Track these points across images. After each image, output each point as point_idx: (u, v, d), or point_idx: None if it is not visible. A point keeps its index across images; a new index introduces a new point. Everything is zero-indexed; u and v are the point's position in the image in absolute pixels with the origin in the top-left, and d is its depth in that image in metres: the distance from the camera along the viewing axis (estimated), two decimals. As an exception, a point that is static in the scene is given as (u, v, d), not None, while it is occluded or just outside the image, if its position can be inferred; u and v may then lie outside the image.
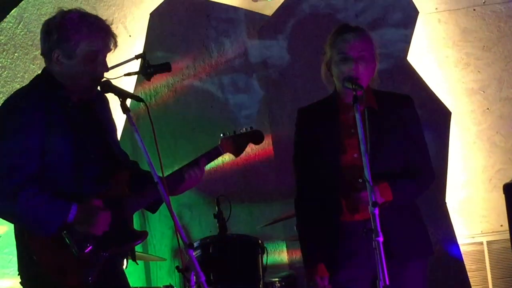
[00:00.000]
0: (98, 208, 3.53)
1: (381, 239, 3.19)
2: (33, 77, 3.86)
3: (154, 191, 3.65)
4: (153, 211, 3.96)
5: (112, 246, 3.57)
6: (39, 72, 3.78)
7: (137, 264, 3.94)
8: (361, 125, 3.36)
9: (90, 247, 3.50)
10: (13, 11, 5.90)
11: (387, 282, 3.17)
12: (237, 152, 3.93)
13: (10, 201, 3.42)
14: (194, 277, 3.22)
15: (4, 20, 5.93)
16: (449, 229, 5.52)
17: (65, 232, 3.45)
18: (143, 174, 3.83)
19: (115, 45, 3.62)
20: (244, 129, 3.96)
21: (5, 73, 6.01)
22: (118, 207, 3.64)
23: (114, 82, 3.60)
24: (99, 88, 3.60)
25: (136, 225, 5.84)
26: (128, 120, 3.38)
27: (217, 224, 4.91)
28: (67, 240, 3.46)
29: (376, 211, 3.23)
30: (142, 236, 3.77)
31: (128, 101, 3.45)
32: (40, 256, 3.50)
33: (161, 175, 3.33)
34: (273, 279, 4.81)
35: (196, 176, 3.78)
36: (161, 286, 4.99)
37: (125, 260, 3.88)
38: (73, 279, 3.50)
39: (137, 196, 3.75)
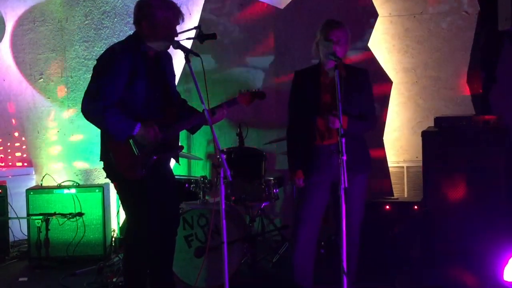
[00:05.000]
0: (154, 130, 3.64)
1: (345, 157, 3.33)
2: (125, 35, 4.13)
3: (195, 119, 3.88)
4: (192, 133, 4.08)
5: (160, 152, 3.71)
6: (129, 32, 4.00)
7: (179, 164, 4.06)
8: (338, 84, 3.45)
9: (146, 151, 3.64)
10: (116, -10, 6.04)
11: (346, 185, 3.33)
12: (248, 103, 3.98)
13: (100, 115, 3.58)
14: (222, 171, 3.33)
15: (110, -5, 6.06)
16: (383, 156, 5.68)
17: (131, 140, 3.61)
18: (188, 109, 4.01)
19: (182, 20, 3.79)
20: (254, 89, 4.02)
21: (107, 31, 6.24)
22: (168, 128, 3.75)
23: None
24: (171, 47, 3.70)
25: (184, 138, 5.96)
26: (189, 68, 3.51)
27: (238, 140, 5.03)
28: (132, 144, 3.62)
29: (343, 140, 3.36)
30: (180, 148, 3.90)
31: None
32: (114, 153, 3.68)
33: (207, 107, 3.48)
34: (269, 178, 4.94)
35: (222, 115, 3.84)
36: (198, 176, 5.03)
37: (173, 160, 4.01)
38: (132, 172, 3.65)
39: (181, 122, 3.84)
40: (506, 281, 4.09)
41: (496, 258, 4.19)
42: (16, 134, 6.48)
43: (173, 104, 3.88)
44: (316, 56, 3.87)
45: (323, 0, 5.79)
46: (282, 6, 5.91)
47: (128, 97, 3.62)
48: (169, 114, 3.80)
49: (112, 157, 3.66)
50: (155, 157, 3.66)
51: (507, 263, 4.11)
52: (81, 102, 3.67)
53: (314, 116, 3.78)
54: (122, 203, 3.87)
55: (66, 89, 6.37)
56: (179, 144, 3.95)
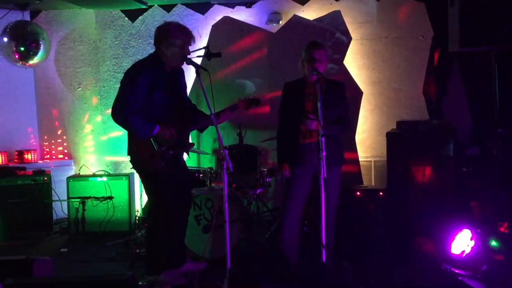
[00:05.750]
0: (170, 131, 3.68)
1: (324, 153, 3.35)
2: (148, 53, 4.05)
3: (203, 121, 3.91)
4: (201, 131, 4.17)
5: (175, 148, 3.74)
6: (151, 51, 3.93)
7: (189, 157, 4.05)
8: (319, 94, 3.49)
9: (164, 147, 3.67)
10: (140, 17, 6.12)
11: (325, 176, 3.34)
12: (246, 109, 3.98)
13: (126, 120, 3.61)
14: (225, 164, 3.36)
15: (136, 21, 6.00)
16: (355, 153, 5.65)
17: (152, 139, 3.65)
18: (198, 113, 4.01)
19: (194, 41, 3.78)
20: (251, 97, 4.02)
21: (133, 49, 6.28)
22: (182, 129, 3.78)
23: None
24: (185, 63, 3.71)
25: (195, 136, 5.92)
26: (199, 80, 3.48)
27: (238, 138, 5.05)
28: (152, 143, 3.65)
29: (323, 139, 3.37)
30: (191, 145, 3.93)
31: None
32: (137, 149, 3.72)
33: (213, 111, 3.52)
34: (263, 169, 4.93)
35: (225, 117, 3.87)
36: (206, 167, 5.00)
37: (185, 154, 4.01)
38: (153, 164, 3.67)
39: (193, 123, 3.88)
40: (453, 254, 4.13)
41: (445, 235, 4.24)
42: (59, 132, 6.45)
43: (185, 109, 3.91)
44: (302, 71, 3.86)
45: (308, 26, 5.82)
46: (274, 31, 5.93)
47: (149, 104, 3.65)
48: (183, 117, 3.83)
49: (137, 152, 3.70)
50: (171, 152, 3.70)
51: (454, 238, 4.16)
52: (111, 108, 3.70)
53: (298, 120, 3.79)
54: (145, 189, 3.88)
55: (99, 97, 6.40)
56: (190, 142, 4.01)
